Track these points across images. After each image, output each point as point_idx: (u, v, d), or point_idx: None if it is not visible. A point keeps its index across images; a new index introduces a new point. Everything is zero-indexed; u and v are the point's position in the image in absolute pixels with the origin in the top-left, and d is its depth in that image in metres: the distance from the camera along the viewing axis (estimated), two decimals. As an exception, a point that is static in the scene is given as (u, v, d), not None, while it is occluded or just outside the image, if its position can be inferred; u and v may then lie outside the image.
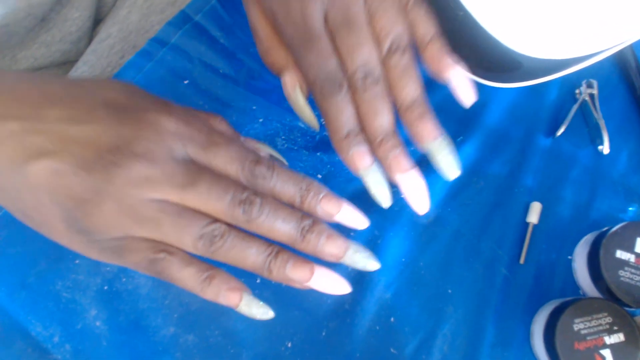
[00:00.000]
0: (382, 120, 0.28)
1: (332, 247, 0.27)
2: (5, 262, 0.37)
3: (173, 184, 0.25)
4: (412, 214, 0.41)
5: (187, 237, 0.25)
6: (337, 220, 0.29)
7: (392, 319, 0.38)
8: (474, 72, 0.39)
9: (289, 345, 0.37)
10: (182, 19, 0.43)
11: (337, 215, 0.28)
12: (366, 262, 0.28)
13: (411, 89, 0.29)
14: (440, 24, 0.40)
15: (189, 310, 0.37)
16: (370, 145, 0.29)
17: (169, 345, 0.37)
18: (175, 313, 0.37)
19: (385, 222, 0.40)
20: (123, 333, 0.37)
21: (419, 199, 0.30)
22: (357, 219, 0.29)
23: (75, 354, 0.36)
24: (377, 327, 0.38)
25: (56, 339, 0.36)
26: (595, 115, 0.42)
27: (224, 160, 0.27)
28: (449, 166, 0.30)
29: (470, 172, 0.42)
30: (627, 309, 0.35)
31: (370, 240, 0.40)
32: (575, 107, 0.43)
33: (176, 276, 0.26)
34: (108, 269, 0.38)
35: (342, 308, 0.38)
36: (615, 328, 0.34)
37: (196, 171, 0.26)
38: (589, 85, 0.43)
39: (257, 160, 0.27)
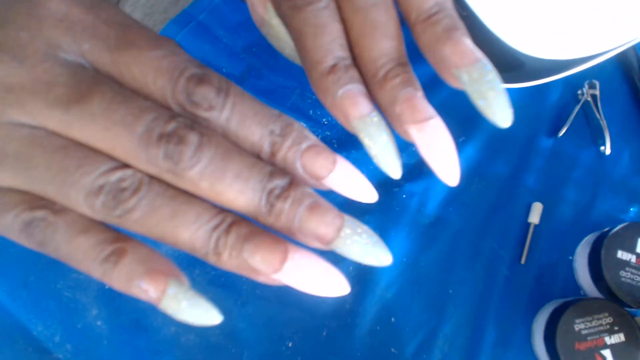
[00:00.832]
0: (387, 40, 0.19)
1: (318, 224, 0.17)
2: (6, 261, 0.37)
3: (50, 98, 0.16)
4: (414, 213, 0.41)
5: (75, 188, 0.16)
6: (328, 187, 0.18)
7: (392, 319, 0.38)
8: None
9: (290, 344, 0.37)
10: (186, 18, 0.43)
11: (328, 179, 0.18)
12: (373, 252, 0.18)
13: None
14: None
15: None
16: (368, 82, 0.19)
17: (170, 344, 0.37)
18: (176, 312, 0.37)
19: (387, 222, 0.40)
20: (124, 332, 0.37)
21: (447, 161, 0.18)
22: (359, 186, 0.18)
23: (76, 353, 0.36)
24: (378, 327, 0.38)
25: (57, 339, 0.36)
26: (597, 116, 0.42)
27: (143, 72, 0.16)
28: (499, 106, 0.18)
29: (472, 173, 0.42)
30: (627, 309, 0.35)
31: (371, 240, 0.40)
32: (577, 108, 0.43)
33: (63, 250, 0.16)
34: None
35: (343, 308, 0.38)
36: (616, 328, 0.35)
37: (90, 81, 0.16)
38: (591, 86, 0.43)
39: (202, 76, 0.17)
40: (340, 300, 0.38)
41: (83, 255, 0.16)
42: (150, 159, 0.16)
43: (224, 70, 0.43)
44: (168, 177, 0.16)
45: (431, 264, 0.40)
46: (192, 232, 0.16)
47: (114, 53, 0.17)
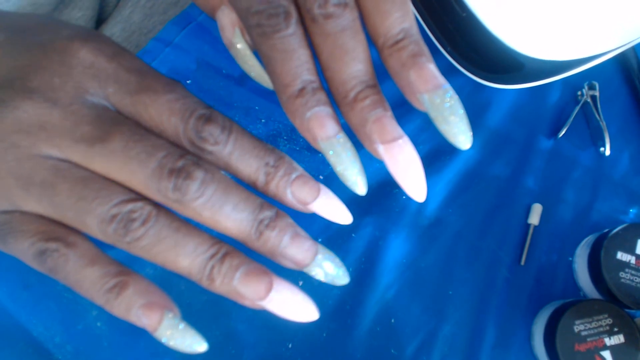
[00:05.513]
0: (356, 63, 0.19)
1: (298, 250, 0.20)
2: (6, 262, 0.37)
3: (76, 135, 0.18)
4: (414, 214, 0.41)
5: (92, 215, 0.18)
6: (312, 211, 0.21)
7: (392, 320, 0.38)
8: (476, 74, 0.39)
9: (290, 346, 0.37)
10: (185, 19, 0.43)
11: (313, 204, 0.21)
12: (335, 274, 0.21)
13: (398, 15, 0.19)
14: (444, 25, 0.40)
15: (190, 311, 0.37)
16: (339, 104, 0.20)
17: (170, 345, 0.37)
18: (176, 313, 0.37)
19: (386, 223, 0.40)
20: (124, 334, 0.37)
21: (414, 178, 0.20)
22: (338, 211, 0.21)
23: (76, 354, 0.36)
24: (378, 328, 0.38)
25: (57, 340, 0.36)
26: (597, 117, 0.42)
27: (159, 112, 0.19)
28: (459, 130, 0.19)
29: (472, 174, 0.42)
30: (627, 310, 0.35)
31: (371, 242, 0.40)
32: (577, 109, 0.43)
33: (72, 278, 0.19)
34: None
35: (342, 309, 0.38)
36: (616, 329, 0.35)
37: (112, 121, 0.19)
38: (591, 87, 0.43)
39: (209, 116, 0.19)
40: (340, 302, 0.38)
41: (89, 284, 0.19)
42: (160, 190, 0.18)
43: (224, 71, 0.43)
44: (175, 206, 0.19)
45: (431, 265, 0.40)
46: (190, 261, 0.19)
47: (133, 96, 0.19)
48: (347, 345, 0.38)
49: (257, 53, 0.22)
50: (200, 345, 0.20)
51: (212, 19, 0.43)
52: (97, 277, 0.19)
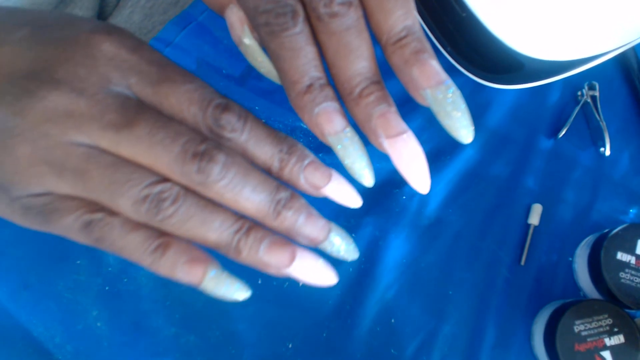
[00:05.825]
0: (361, 61, 0.20)
1: (312, 228, 0.21)
2: (6, 262, 0.37)
3: (103, 123, 0.19)
4: (414, 214, 0.41)
5: (125, 197, 0.19)
6: (324, 195, 0.22)
7: (392, 320, 0.38)
8: (476, 74, 0.39)
9: (290, 346, 0.37)
10: (185, 19, 0.43)
11: (325, 188, 0.22)
12: (347, 249, 0.22)
13: (401, 13, 0.20)
14: (444, 25, 0.40)
15: (190, 311, 0.37)
16: (344, 100, 0.21)
17: (170, 346, 0.37)
18: (176, 314, 0.37)
19: (387, 223, 0.40)
20: (124, 334, 0.37)
21: (418, 171, 0.21)
22: (349, 194, 0.22)
23: (76, 354, 0.36)
24: (378, 328, 0.38)
25: (57, 340, 0.36)
26: (597, 117, 0.42)
27: (179, 101, 0.20)
28: (462, 125, 0.20)
29: (472, 174, 0.42)
30: (627, 310, 0.36)
31: (371, 242, 0.40)
32: (577, 109, 0.43)
33: (118, 244, 0.20)
34: (110, 269, 0.38)
35: (342, 309, 0.38)
36: (616, 329, 0.35)
37: (136, 109, 0.20)
38: (591, 87, 0.43)
39: (225, 105, 0.20)
40: (340, 302, 0.38)
41: (135, 247, 0.20)
42: (184, 173, 0.20)
43: (224, 71, 0.43)
44: (198, 189, 0.20)
45: (431, 265, 0.40)
46: (218, 235, 0.20)
47: (155, 86, 0.20)
48: (347, 345, 0.38)
49: (265, 50, 0.22)
50: (243, 293, 0.21)
51: (212, 19, 0.43)
52: (141, 240, 0.20)
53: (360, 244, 0.39)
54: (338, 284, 0.39)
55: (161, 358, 0.37)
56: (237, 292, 0.21)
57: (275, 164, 0.21)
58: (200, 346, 0.37)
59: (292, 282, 0.38)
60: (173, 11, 0.47)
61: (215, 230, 0.20)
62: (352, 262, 0.39)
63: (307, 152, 0.22)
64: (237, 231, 0.21)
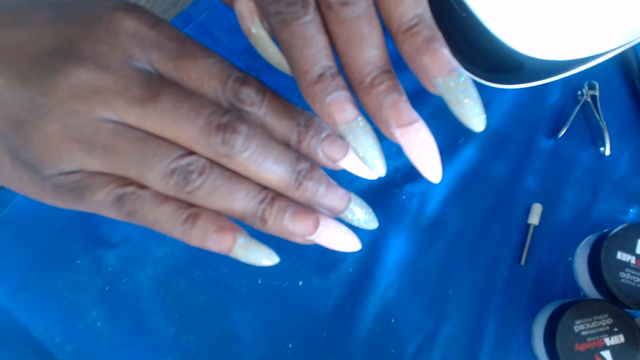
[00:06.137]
0: (372, 50, 0.20)
1: (333, 197, 0.22)
2: (6, 262, 0.37)
3: (129, 98, 0.19)
4: (414, 214, 0.41)
5: (154, 171, 0.20)
6: (342, 167, 0.23)
7: (392, 320, 0.38)
8: (476, 74, 0.39)
9: (290, 346, 0.37)
10: (185, 19, 0.43)
11: (342, 161, 0.22)
12: (366, 219, 0.23)
13: (411, 2, 0.20)
14: (444, 25, 0.40)
15: (190, 311, 0.37)
16: (355, 89, 0.21)
17: (170, 345, 0.37)
18: (176, 314, 0.37)
19: (387, 223, 0.40)
20: (124, 334, 0.37)
21: (430, 161, 0.21)
22: (365, 167, 0.23)
23: (76, 354, 0.36)
24: (378, 328, 0.38)
25: (57, 340, 0.36)
26: (597, 116, 0.42)
27: (199, 75, 0.20)
28: (473, 113, 0.20)
29: (472, 174, 0.42)
30: (627, 310, 0.36)
31: (371, 241, 0.40)
32: (577, 109, 0.43)
33: (150, 217, 0.20)
34: (109, 269, 0.38)
35: (343, 309, 0.38)
36: (616, 329, 0.35)
37: (159, 84, 0.20)
38: (591, 87, 0.43)
39: (244, 79, 0.21)
40: (340, 302, 0.38)
41: (166, 219, 0.21)
42: (210, 145, 0.20)
43: (223, 71, 0.43)
44: (223, 160, 0.20)
45: (431, 265, 0.40)
46: (244, 205, 0.21)
47: (175, 61, 0.20)
48: (347, 345, 0.38)
49: (275, 41, 0.22)
50: (273, 258, 0.22)
51: (212, 19, 0.43)
52: (172, 212, 0.20)
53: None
54: (338, 284, 0.39)
55: (161, 358, 0.37)
56: (267, 257, 0.22)
57: (293, 137, 0.22)
58: (200, 346, 0.37)
59: (292, 282, 0.38)
60: (173, 11, 0.47)
61: (241, 201, 0.21)
62: (352, 262, 0.39)
63: (324, 125, 0.22)
64: (262, 201, 0.21)
